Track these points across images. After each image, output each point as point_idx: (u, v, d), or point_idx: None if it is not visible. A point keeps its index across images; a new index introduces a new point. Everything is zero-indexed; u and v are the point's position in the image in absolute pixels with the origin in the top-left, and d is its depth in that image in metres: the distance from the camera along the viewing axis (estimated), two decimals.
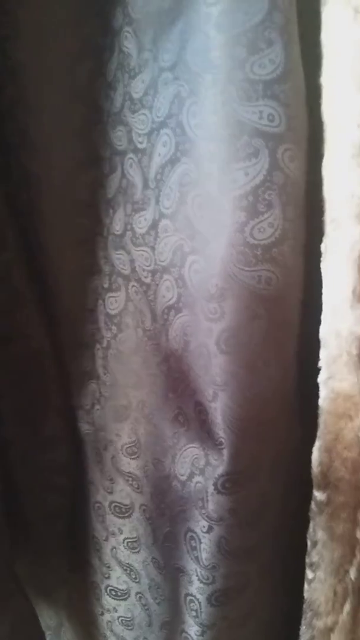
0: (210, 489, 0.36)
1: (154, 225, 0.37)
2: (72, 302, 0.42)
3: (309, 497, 0.35)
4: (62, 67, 0.39)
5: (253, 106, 0.32)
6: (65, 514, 0.47)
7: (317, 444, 0.34)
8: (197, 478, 0.38)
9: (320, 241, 0.35)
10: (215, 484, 0.36)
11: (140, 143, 0.38)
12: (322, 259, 0.35)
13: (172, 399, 0.39)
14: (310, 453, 0.35)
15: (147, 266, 0.38)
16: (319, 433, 0.34)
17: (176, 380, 0.38)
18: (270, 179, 0.32)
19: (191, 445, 0.38)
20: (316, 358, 0.34)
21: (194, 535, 0.38)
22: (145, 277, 0.38)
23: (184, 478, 0.39)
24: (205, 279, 0.34)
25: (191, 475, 0.38)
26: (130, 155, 0.38)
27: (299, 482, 0.36)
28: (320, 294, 0.35)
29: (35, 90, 0.39)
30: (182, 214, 0.35)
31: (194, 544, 0.38)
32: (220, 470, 0.36)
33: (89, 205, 0.41)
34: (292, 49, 0.33)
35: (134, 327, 0.40)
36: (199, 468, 0.37)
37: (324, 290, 0.34)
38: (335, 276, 0.33)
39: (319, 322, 0.34)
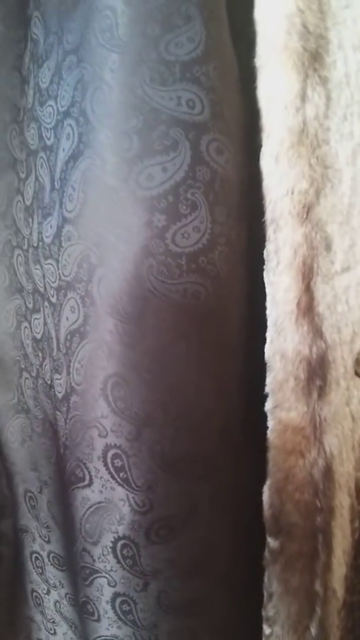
0: (142, 541, 0.31)
1: (58, 233, 0.31)
2: None
3: (264, 542, 0.31)
4: None
5: (169, 91, 0.28)
6: (2, 563, 0.42)
7: (267, 483, 0.29)
8: (115, 536, 0.32)
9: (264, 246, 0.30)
10: (147, 534, 0.31)
11: (48, 139, 0.32)
12: (265, 266, 0.30)
13: (70, 447, 0.33)
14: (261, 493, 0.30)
15: (53, 282, 0.32)
16: (268, 470, 0.29)
17: (77, 422, 0.32)
18: (193, 175, 0.27)
19: (99, 501, 0.32)
20: (264, 382, 0.29)
21: (126, 599, 0.33)
22: (52, 296, 0.33)
23: (92, 541, 0.33)
24: (118, 295, 0.29)
25: (100, 536, 0.33)
26: (41, 153, 0.33)
27: (252, 525, 0.31)
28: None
29: None
30: (87, 218, 0.30)
31: (126, 608, 0.33)
32: (150, 516, 0.31)
33: (5, 215, 0.36)
34: (215, 26, 0.29)
35: (49, 354, 0.34)
36: (112, 526, 0.32)
37: (267, 303, 0.29)
38: (277, 286, 0.29)
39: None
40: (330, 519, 0.29)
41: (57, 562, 0.38)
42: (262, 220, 0.30)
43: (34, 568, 0.40)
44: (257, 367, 0.30)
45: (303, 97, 0.29)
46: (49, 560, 0.38)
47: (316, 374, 0.28)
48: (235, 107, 0.30)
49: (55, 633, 0.40)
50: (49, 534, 0.38)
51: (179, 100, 0.27)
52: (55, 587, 0.39)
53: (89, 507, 0.32)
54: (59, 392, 0.32)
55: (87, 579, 0.34)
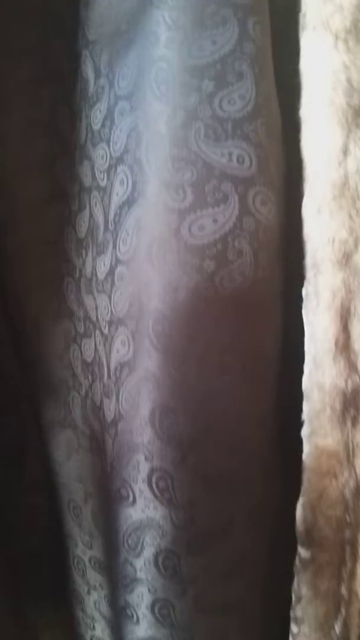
0: (182, 552, 0.34)
1: (111, 272, 0.34)
2: (40, 346, 0.39)
3: (295, 551, 0.34)
4: (23, 94, 0.36)
5: (222, 147, 0.30)
6: (47, 558, 0.45)
7: (301, 501, 0.32)
8: (158, 549, 0.35)
9: (301, 286, 0.33)
10: (187, 546, 0.34)
11: (102, 180, 0.35)
12: (303, 305, 0.33)
13: (117, 468, 0.35)
14: (294, 509, 0.33)
15: (106, 315, 0.35)
16: (302, 489, 0.32)
17: (124, 446, 0.35)
18: (240, 225, 0.30)
19: (138, 521, 0.35)
20: (299, 410, 0.33)
21: (165, 604, 0.36)
22: (104, 328, 0.35)
23: (134, 553, 0.36)
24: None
25: (142, 550, 0.35)
26: (94, 192, 0.35)
27: (286, 536, 0.34)
28: (302, 341, 0.33)
29: None
30: (139, 263, 0.32)
31: (164, 612, 0.36)
32: (191, 532, 0.34)
33: (56, 243, 0.38)
34: (264, 82, 0.31)
35: (99, 379, 0.37)
36: (155, 539, 0.35)
37: (306, 339, 0.32)
38: (317, 325, 0.31)
39: (301, 372, 0.32)
40: (357, 532, 0.32)
41: (98, 567, 0.41)
42: (302, 262, 0.32)
43: (75, 570, 0.43)
44: (291, 395, 0.33)
45: (345, 152, 0.31)
46: (90, 565, 0.41)
47: (351, 405, 0.31)
48: (279, 159, 0.32)
49: (94, 628, 0.44)
50: (92, 540, 0.40)
51: (230, 156, 0.30)
52: (95, 588, 0.42)
53: (132, 524, 0.35)
54: (108, 416, 0.35)
55: (129, 586, 0.37)
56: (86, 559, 0.41)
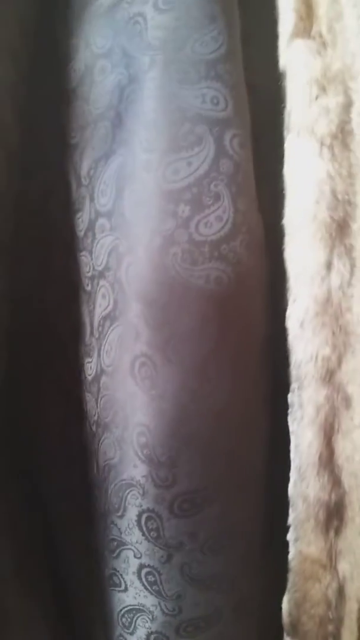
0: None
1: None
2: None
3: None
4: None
5: (199, 270, 0.30)
6: None
7: (286, 597, 0.34)
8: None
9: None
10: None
11: (87, 285, 0.35)
12: (289, 412, 0.33)
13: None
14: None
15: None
16: (288, 587, 0.34)
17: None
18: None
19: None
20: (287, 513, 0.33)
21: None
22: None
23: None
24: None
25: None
26: (81, 293, 0.35)
27: (276, 621, 0.35)
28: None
29: None
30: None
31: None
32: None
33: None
34: (242, 199, 0.31)
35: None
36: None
37: (291, 449, 0.33)
38: (301, 438, 0.32)
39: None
40: (340, 626, 0.34)
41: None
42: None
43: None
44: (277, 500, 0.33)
45: (329, 267, 0.30)
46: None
47: (334, 516, 0.32)
48: (263, 274, 0.32)
49: None
50: None
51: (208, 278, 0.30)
52: None
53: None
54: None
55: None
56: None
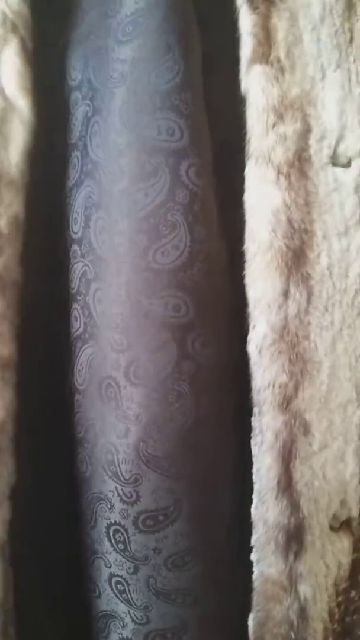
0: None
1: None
2: None
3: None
4: None
5: (158, 298, 0.31)
6: None
7: (251, 616, 0.34)
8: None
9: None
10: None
11: (69, 304, 0.36)
12: (252, 436, 0.33)
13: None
14: None
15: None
16: (253, 606, 0.34)
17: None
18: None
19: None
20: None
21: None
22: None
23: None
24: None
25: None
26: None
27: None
28: None
29: None
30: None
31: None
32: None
33: None
34: (199, 228, 0.31)
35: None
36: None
37: (254, 472, 0.33)
38: (261, 462, 0.32)
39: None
40: None
41: None
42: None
43: None
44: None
45: (286, 295, 0.31)
46: None
47: (293, 539, 0.32)
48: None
49: None
50: None
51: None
52: None
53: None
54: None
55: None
56: None
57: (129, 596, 0.36)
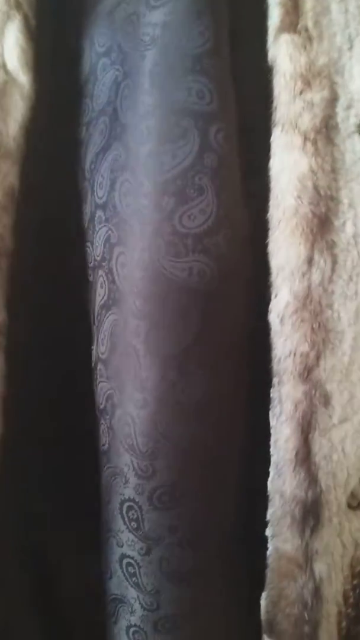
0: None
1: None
2: None
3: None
4: None
5: (181, 263, 0.30)
6: None
7: (264, 594, 0.34)
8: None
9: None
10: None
11: (91, 271, 0.35)
12: (270, 407, 0.33)
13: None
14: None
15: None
16: (266, 584, 0.33)
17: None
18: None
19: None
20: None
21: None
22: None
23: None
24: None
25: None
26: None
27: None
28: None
29: None
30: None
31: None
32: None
33: None
34: (226, 194, 0.31)
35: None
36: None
37: (271, 444, 0.32)
38: (279, 434, 0.32)
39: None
40: (317, 628, 0.33)
41: None
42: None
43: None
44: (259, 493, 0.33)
45: (310, 262, 0.30)
46: None
47: (310, 514, 0.31)
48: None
49: None
50: None
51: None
52: None
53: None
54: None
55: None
56: None
57: (139, 580, 0.35)
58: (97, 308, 0.35)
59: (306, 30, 0.30)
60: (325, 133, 0.30)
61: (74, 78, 0.36)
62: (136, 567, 0.35)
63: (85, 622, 0.41)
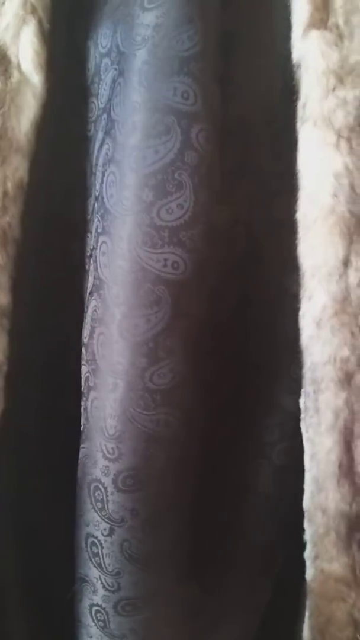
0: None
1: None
2: None
3: None
4: None
5: (157, 254, 0.31)
6: None
7: (308, 623, 0.31)
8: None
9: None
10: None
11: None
12: (302, 418, 0.31)
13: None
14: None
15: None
16: (309, 612, 0.31)
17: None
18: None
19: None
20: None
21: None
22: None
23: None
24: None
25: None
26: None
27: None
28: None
29: None
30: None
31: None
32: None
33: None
34: (203, 192, 0.32)
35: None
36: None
37: (306, 458, 0.31)
38: (319, 446, 0.30)
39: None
40: None
41: None
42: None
43: None
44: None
45: (347, 263, 0.29)
46: None
47: (356, 528, 0.30)
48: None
49: None
50: None
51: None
52: None
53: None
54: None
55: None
56: None
57: (102, 560, 0.35)
58: (87, 295, 0.37)
59: (337, 27, 0.30)
60: (359, 131, 0.29)
61: (83, 78, 0.38)
62: (99, 547, 0.35)
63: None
